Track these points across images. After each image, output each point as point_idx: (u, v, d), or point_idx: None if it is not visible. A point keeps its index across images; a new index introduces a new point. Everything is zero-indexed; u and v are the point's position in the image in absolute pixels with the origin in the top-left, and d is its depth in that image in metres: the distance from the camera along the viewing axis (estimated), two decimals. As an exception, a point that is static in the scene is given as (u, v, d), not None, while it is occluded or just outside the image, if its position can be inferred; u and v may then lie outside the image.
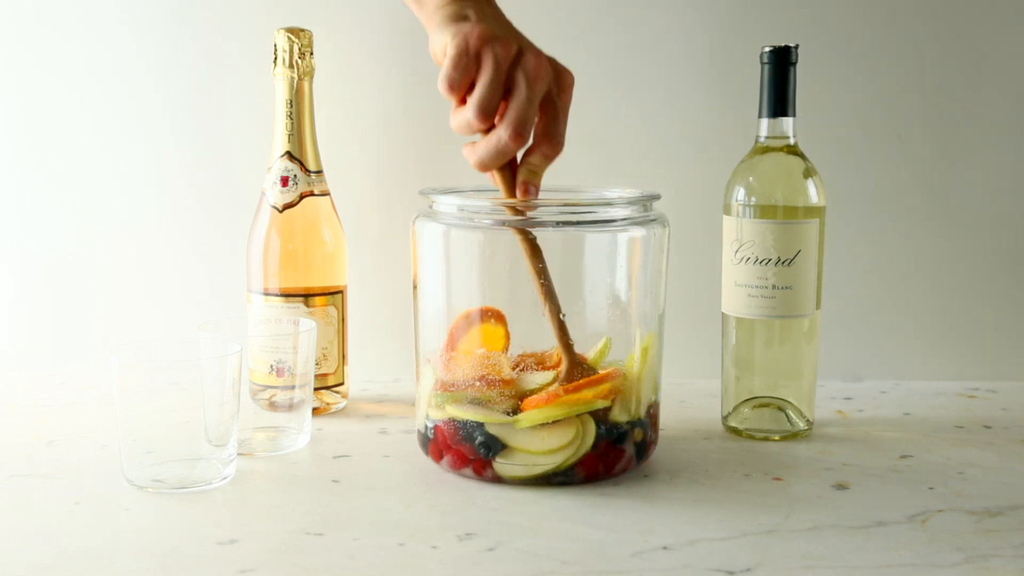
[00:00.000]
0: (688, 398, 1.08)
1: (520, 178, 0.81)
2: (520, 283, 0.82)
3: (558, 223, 0.81)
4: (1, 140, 1.14)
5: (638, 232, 0.82)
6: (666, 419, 1.00)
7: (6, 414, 1.01)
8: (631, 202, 0.82)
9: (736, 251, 0.94)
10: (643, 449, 0.84)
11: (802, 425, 0.95)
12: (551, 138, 0.80)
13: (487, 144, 0.79)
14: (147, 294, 1.16)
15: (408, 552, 0.70)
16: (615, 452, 0.81)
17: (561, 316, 0.82)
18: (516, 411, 0.80)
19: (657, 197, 0.85)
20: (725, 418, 0.97)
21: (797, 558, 0.69)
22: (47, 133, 1.14)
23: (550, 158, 0.81)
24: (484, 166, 0.80)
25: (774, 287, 0.92)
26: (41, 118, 1.14)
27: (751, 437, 0.95)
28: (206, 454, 0.81)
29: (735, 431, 0.96)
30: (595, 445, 0.80)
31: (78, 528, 0.74)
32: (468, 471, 0.82)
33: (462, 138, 0.82)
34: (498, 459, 0.80)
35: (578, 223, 0.81)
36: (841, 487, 0.83)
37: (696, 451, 0.91)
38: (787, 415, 0.95)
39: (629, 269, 0.83)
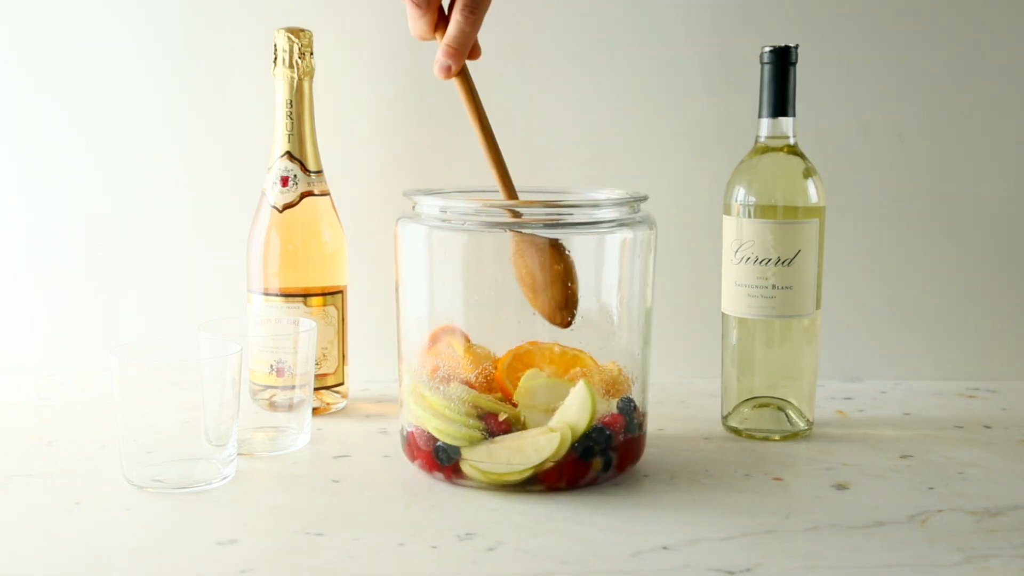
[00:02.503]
0: (688, 398, 1.08)
1: (437, 56, 0.82)
2: (504, 286, 0.82)
3: (545, 224, 0.80)
4: (1, 143, 1.14)
5: (626, 234, 0.82)
6: (666, 419, 1.00)
7: (6, 414, 1.01)
8: (619, 203, 0.82)
9: (736, 251, 0.94)
10: (608, 464, 0.82)
11: (802, 425, 0.95)
12: (464, 6, 0.81)
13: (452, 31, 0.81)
14: (147, 294, 1.16)
15: (408, 552, 0.70)
16: (580, 465, 0.80)
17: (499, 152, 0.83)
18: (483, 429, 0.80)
19: (644, 198, 0.84)
20: (725, 418, 0.97)
21: (797, 558, 0.69)
22: (45, 136, 1.14)
23: (464, 28, 0.81)
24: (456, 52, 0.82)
25: (774, 287, 0.92)
26: (40, 123, 1.14)
27: (751, 437, 0.95)
28: (206, 454, 0.81)
29: (735, 431, 0.96)
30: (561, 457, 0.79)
31: (78, 528, 0.74)
32: (439, 475, 0.82)
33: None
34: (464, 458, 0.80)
35: (565, 224, 0.81)
36: (841, 487, 0.83)
37: (696, 451, 0.91)
38: (787, 415, 0.95)
39: (618, 271, 0.83)
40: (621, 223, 0.82)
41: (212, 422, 0.81)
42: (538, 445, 0.79)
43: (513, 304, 0.83)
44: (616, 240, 0.82)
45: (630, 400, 0.83)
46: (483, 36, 0.86)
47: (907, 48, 1.12)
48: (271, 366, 0.93)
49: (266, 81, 1.04)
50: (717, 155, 1.11)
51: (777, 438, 0.94)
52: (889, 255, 1.14)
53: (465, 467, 0.80)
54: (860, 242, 1.14)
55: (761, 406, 0.95)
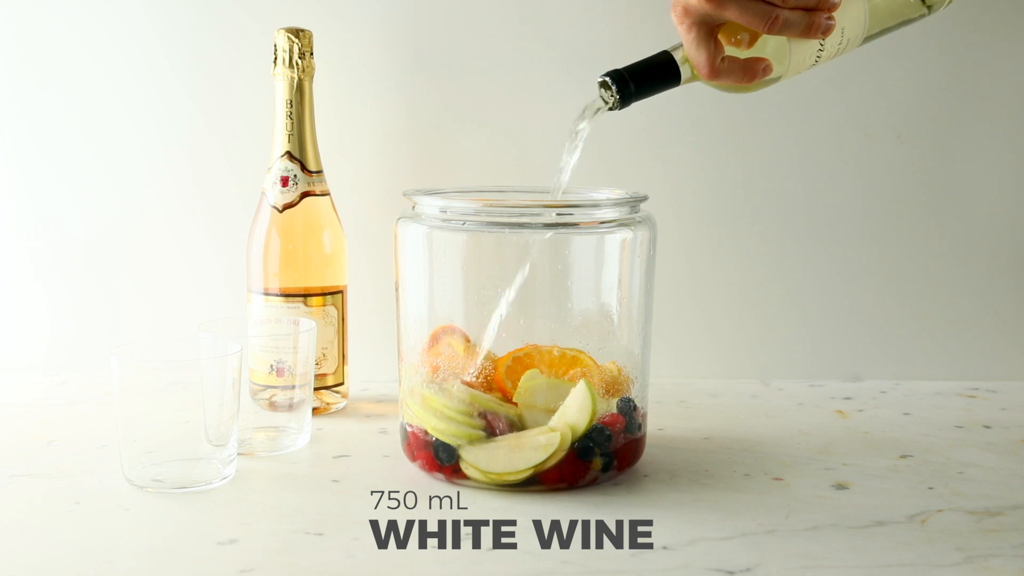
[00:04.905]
0: (688, 398, 1.08)
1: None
2: (504, 286, 0.82)
3: (545, 225, 0.80)
4: (3, 143, 1.14)
5: (626, 234, 0.82)
6: (666, 419, 1.00)
7: (6, 414, 1.01)
8: (619, 203, 0.82)
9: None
10: (609, 464, 0.82)
11: None
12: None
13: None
14: (147, 294, 1.16)
15: (408, 552, 0.70)
16: (580, 465, 0.81)
17: None
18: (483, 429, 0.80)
19: (644, 198, 0.84)
20: None
21: (797, 558, 0.69)
22: (46, 136, 1.14)
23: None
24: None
25: None
26: (42, 123, 1.14)
27: None
28: (206, 454, 0.81)
29: None
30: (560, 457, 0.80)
31: (78, 528, 0.74)
32: (439, 475, 0.82)
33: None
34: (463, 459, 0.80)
35: (565, 225, 0.81)
36: (841, 487, 0.83)
37: (696, 451, 0.91)
38: None
39: (618, 271, 0.83)
40: (621, 223, 0.82)
41: (212, 422, 0.81)
42: (538, 445, 0.79)
43: (513, 304, 0.83)
44: (616, 240, 0.82)
45: (630, 400, 0.83)
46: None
47: (907, 48, 1.12)
48: (271, 366, 0.93)
49: (266, 81, 1.04)
50: (717, 155, 1.11)
51: None
52: (889, 255, 1.14)
53: (465, 467, 0.80)
54: (860, 242, 1.14)
55: None
